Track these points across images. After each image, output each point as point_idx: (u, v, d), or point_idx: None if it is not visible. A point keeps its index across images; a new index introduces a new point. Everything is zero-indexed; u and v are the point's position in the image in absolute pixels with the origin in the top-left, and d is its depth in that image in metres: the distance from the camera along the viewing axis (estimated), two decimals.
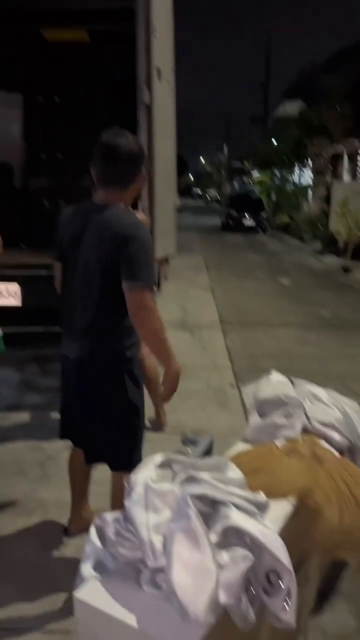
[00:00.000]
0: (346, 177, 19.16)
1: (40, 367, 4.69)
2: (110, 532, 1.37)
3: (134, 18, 3.58)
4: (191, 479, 1.44)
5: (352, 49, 21.34)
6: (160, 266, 4.34)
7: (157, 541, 1.29)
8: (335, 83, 18.08)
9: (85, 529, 1.45)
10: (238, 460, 1.70)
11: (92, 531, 1.41)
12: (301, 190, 22.98)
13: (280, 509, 1.56)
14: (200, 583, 1.19)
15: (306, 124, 19.56)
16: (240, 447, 1.94)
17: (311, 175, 22.34)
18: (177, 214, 6.22)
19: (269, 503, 1.49)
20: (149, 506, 1.35)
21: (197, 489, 1.37)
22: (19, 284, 3.90)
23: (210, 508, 1.37)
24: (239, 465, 1.57)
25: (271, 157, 24.87)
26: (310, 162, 21.35)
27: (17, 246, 4.51)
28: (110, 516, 1.41)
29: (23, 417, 3.82)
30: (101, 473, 2.36)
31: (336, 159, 19.79)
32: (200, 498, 1.36)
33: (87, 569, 1.35)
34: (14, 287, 3.90)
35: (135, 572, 1.31)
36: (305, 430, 1.94)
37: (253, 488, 1.51)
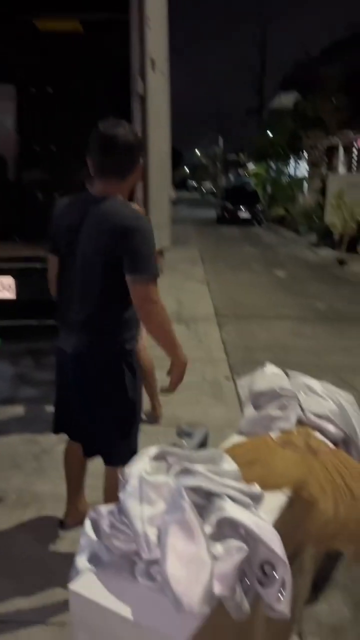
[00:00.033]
0: (341, 169, 19.16)
1: (35, 360, 4.68)
2: (104, 524, 1.37)
3: (128, 8, 3.54)
4: (186, 471, 1.44)
5: (348, 40, 21.25)
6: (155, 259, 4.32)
7: (152, 533, 1.29)
8: (330, 74, 18.02)
9: (81, 522, 1.45)
10: (233, 452, 1.70)
11: (87, 524, 1.41)
12: (296, 182, 22.96)
13: (275, 501, 1.56)
14: (194, 574, 1.19)
15: (301, 116, 19.52)
16: (235, 439, 1.94)
17: (306, 167, 22.32)
18: (172, 206, 6.20)
19: (263, 495, 1.49)
20: (144, 498, 1.35)
21: (191, 481, 1.37)
22: (13, 277, 3.88)
23: (204, 500, 1.37)
24: (234, 457, 1.57)
25: (267, 149, 24.82)
26: (305, 154, 21.32)
27: (11, 239, 4.48)
28: (104, 509, 1.40)
29: (18, 410, 3.82)
30: (96, 466, 2.36)
31: (331, 151, 19.77)
32: (195, 490, 1.36)
33: (81, 561, 1.36)
34: (8, 280, 3.88)
35: (130, 564, 1.31)
36: (299, 422, 1.94)
37: (248, 480, 1.51)
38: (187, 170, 70.35)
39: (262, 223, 22.21)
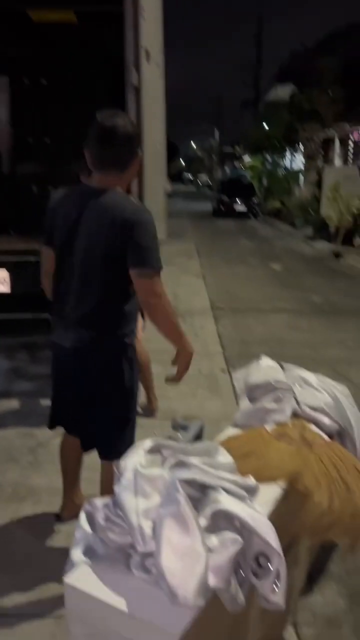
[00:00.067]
0: (337, 161, 19.14)
1: (30, 354, 4.67)
2: (99, 517, 1.37)
3: None
4: (181, 464, 1.44)
5: (344, 31, 21.15)
6: None
7: (147, 526, 1.29)
8: (327, 66, 17.94)
9: (78, 515, 1.45)
10: (228, 444, 1.70)
11: (82, 517, 1.41)
12: (292, 175, 22.92)
13: (270, 493, 1.56)
14: (189, 567, 1.19)
15: (297, 108, 19.45)
16: (231, 431, 1.94)
17: (302, 160, 22.26)
18: (168, 199, 6.17)
19: (258, 487, 1.49)
20: (139, 491, 1.35)
21: (186, 474, 1.37)
22: (8, 270, 3.86)
23: (199, 492, 1.37)
24: (229, 450, 1.57)
25: (262, 141, 24.73)
26: (301, 146, 21.26)
27: (5, 232, 4.46)
28: (99, 502, 1.40)
29: (13, 404, 3.81)
30: (92, 459, 2.36)
31: (327, 144, 19.74)
32: (190, 483, 1.36)
33: (77, 554, 1.35)
34: (3, 274, 3.86)
35: (125, 557, 1.31)
36: (295, 415, 1.94)
37: (243, 472, 1.51)
38: (183, 163, 70.10)
39: (258, 216, 22.18)
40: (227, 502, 1.33)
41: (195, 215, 21.81)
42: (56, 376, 2.29)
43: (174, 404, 3.80)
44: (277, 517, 1.46)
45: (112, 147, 1.99)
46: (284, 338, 5.80)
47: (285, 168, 24.70)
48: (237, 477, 1.45)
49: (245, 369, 2.21)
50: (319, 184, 15.69)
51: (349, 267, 10.78)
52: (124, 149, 2.02)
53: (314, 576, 2.23)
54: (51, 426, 2.39)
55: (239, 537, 1.27)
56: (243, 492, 1.40)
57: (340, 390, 2.08)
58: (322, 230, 14.14)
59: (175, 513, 1.26)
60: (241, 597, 1.26)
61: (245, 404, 2.04)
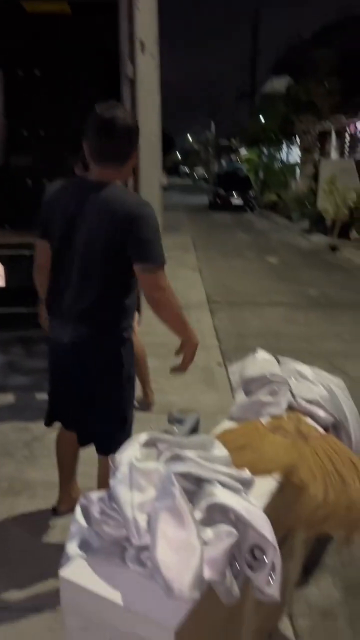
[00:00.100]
0: (334, 154, 19.10)
1: (25, 348, 4.66)
2: (95, 511, 1.37)
3: None
4: (176, 458, 1.44)
5: (340, 22, 21.06)
6: None
7: (142, 519, 1.29)
8: (323, 58, 17.87)
9: (74, 508, 1.45)
10: (224, 438, 1.71)
11: (78, 510, 1.41)
12: (289, 168, 22.86)
13: (265, 486, 1.56)
14: (184, 560, 1.19)
15: (294, 100, 19.39)
16: (227, 425, 1.94)
17: (299, 153, 22.21)
18: (164, 192, 6.12)
19: (254, 480, 1.50)
20: (134, 485, 1.35)
21: (181, 467, 1.37)
22: (3, 264, 3.84)
23: (195, 486, 1.37)
24: (225, 443, 1.57)
25: (259, 134, 24.65)
26: (298, 139, 21.21)
27: (0, 226, 4.43)
28: (95, 495, 1.40)
29: (8, 398, 3.80)
30: (88, 453, 2.36)
31: (324, 136, 19.69)
32: (185, 476, 1.36)
33: (72, 547, 1.35)
34: None
35: (120, 550, 1.31)
36: (290, 408, 1.94)
37: (238, 465, 1.51)
38: (179, 156, 69.87)
39: (255, 209, 22.13)
40: (223, 495, 1.33)
41: (192, 209, 21.76)
42: (53, 372, 2.27)
43: (170, 398, 3.80)
44: (273, 510, 1.46)
45: (112, 140, 1.96)
46: (280, 331, 5.81)
47: (282, 161, 24.64)
48: (232, 470, 1.45)
49: (241, 362, 2.21)
50: (315, 177, 15.66)
51: (346, 260, 10.78)
52: (123, 142, 2.00)
53: (309, 568, 2.24)
54: (48, 423, 2.37)
55: (234, 530, 1.28)
56: (238, 485, 1.40)
57: (336, 383, 2.08)
58: (318, 223, 14.14)
59: (171, 506, 1.26)
60: (236, 590, 1.26)
61: (241, 397, 2.04)
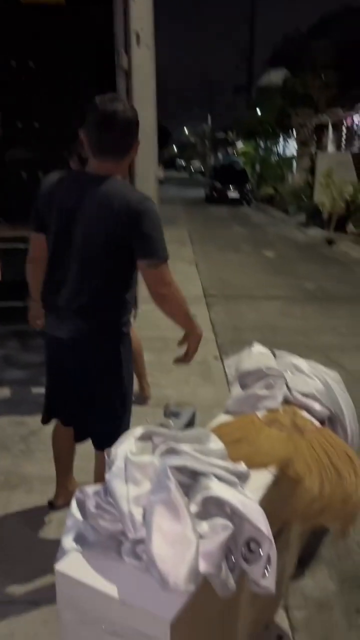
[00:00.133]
0: (330, 147, 19.05)
1: (21, 342, 4.65)
2: (90, 505, 1.37)
3: None
4: (172, 451, 1.43)
5: (337, 14, 20.95)
6: None
7: (137, 513, 1.29)
8: (320, 50, 17.78)
9: None
10: (219, 431, 1.70)
11: (73, 504, 1.41)
12: (285, 161, 22.81)
13: (261, 479, 1.56)
14: (180, 553, 1.19)
15: (290, 93, 19.30)
16: (223, 418, 1.94)
17: (295, 146, 22.15)
18: (160, 186, 6.09)
19: (249, 473, 1.49)
20: (129, 479, 1.35)
21: (177, 461, 1.37)
22: None
23: (190, 479, 1.37)
24: (221, 436, 1.57)
25: (255, 127, 24.56)
26: (294, 132, 21.15)
27: None
28: (90, 489, 1.40)
29: (4, 392, 3.80)
30: (84, 448, 2.36)
31: (321, 129, 19.62)
32: (181, 469, 1.35)
33: (68, 541, 1.35)
34: None
35: (116, 544, 1.31)
36: (286, 401, 1.94)
37: (234, 458, 1.51)
38: (176, 149, 69.59)
39: (251, 203, 22.09)
40: (218, 489, 1.33)
41: (188, 202, 21.70)
42: (51, 368, 2.25)
43: (166, 391, 3.80)
44: (268, 503, 1.46)
45: (112, 133, 1.94)
46: (277, 325, 5.81)
47: (278, 154, 24.57)
48: (228, 464, 1.45)
49: (237, 355, 2.20)
50: (312, 170, 15.64)
51: (342, 254, 10.78)
52: (124, 135, 1.97)
53: (305, 560, 2.25)
54: (46, 420, 2.35)
55: (229, 523, 1.28)
56: (234, 479, 1.40)
57: (332, 377, 2.08)
58: (315, 216, 14.12)
59: (166, 500, 1.26)
60: (232, 583, 1.26)
61: (236, 390, 2.04)
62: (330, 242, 11.77)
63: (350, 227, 12.77)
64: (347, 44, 17.28)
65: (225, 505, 1.31)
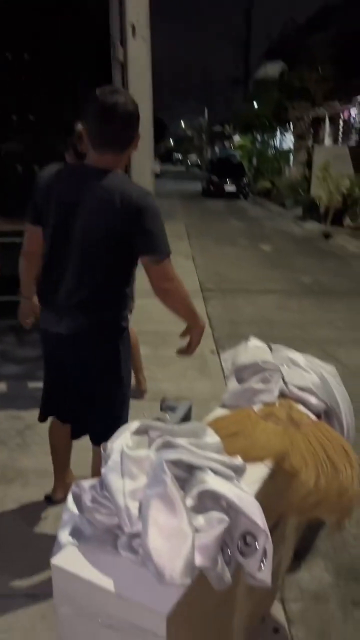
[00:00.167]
0: (327, 140, 19.01)
1: (17, 337, 4.63)
2: (87, 499, 1.37)
3: None
4: (167, 445, 1.43)
5: (335, 6, 20.80)
6: None
7: (133, 507, 1.29)
8: (317, 43, 17.70)
9: None
10: (216, 425, 1.70)
11: (69, 498, 1.41)
12: (282, 154, 22.75)
13: (257, 472, 1.57)
14: (176, 546, 1.20)
15: (287, 86, 19.23)
16: (219, 412, 1.94)
17: (292, 139, 22.09)
18: (156, 180, 6.07)
19: (245, 466, 1.50)
20: (125, 472, 1.35)
21: (173, 455, 1.37)
22: None
23: (186, 473, 1.37)
24: (217, 430, 1.57)
25: (252, 120, 24.48)
26: (291, 126, 21.08)
27: None
28: (87, 483, 1.40)
29: (1, 387, 3.79)
30: (81, 442, 2.36)
31: (317, 123, 19.58)
32: (176, 463, 1.35)
33: (64, 535, 1.35)
34: None
35: (112, 538, 1.31)
36: (282, 395, 1.94)
37: (230, 452, 1.51)
38: (172, 143, 69.33)
39: (248, 196, 22.03)
40: (214, 482, 1.33)
41: (185, 196, 21.63)
42: (49, 365, 2.23)
43: (163, 385, 3.80)
44: (264, 497, 1.46)
45: (113, 125, 1.91)
46: (274, 319, 5.81)
47: (275, 148, 24.50)
48: (224, 457, 1.45)
49: (233, 349, 2.20)
50: (308, 164, 15.60)
51: (339, 248, 10.78)
52: (124, 128, 1.94)
53: (301, 553, 2.26)
54: (43, 418, 2.34)
55: (225, 517, 1.28)
56: (230, 472, 1.40)
57: (328, 370, 2.08)
58: (311, 210, 14.10)
59: (162, 494, 1.26)
60: (228, 576, 1.26)
61: (233, 384, 2.04)
62: (327, 235, 11.77)
63: (347, 220, 12.76)
64: (344, 37, 17.18)
65: (221, 498, 1.31)
